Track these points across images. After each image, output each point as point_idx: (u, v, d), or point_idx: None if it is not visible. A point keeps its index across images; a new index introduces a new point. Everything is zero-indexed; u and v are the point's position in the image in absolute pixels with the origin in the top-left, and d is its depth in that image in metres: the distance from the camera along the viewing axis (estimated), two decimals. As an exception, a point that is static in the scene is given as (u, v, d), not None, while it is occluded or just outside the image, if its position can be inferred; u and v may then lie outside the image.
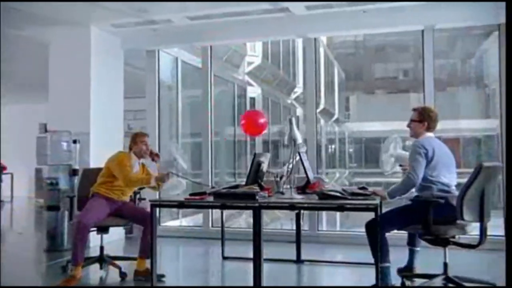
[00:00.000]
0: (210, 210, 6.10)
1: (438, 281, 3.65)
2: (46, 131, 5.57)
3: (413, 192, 3.84)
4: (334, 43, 15.14)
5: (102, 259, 4.54)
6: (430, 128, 3.85)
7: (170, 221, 6.97)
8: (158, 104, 6.54)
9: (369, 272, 4.38)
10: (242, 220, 9.06)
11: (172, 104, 7.20)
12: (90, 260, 4.52)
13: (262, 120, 5.16)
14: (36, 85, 7.55)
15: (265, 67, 10.58)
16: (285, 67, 12.98)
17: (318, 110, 17.44)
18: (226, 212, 6.18)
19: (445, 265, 3.64)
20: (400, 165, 4.20)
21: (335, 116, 17.13)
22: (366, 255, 4.74)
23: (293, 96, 14.33)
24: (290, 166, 4.28)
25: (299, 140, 3.91)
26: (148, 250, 3.90)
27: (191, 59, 7.36)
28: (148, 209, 3.73)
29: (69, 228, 5.54)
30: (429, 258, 3.89)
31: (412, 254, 4.00)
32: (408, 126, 3.94)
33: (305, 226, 5.68)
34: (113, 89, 6.24)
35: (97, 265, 4.58)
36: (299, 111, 14.78)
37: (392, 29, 5.85)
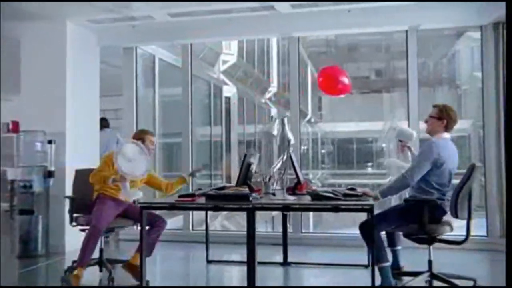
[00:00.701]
0: (191, 212, 5.96)
1: (423, 278, 3.68)
2: (9, 130, 5.29)
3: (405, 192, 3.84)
4: (307, 42, 15.09)
5: (102, 262, 4.40)
6: (448, 128, 3.77)
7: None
8: (136, 103, 6.35)
9: (358, 273, 4.41)
10: (217, 223, 8.95)
11: (148, 103, 6.99)
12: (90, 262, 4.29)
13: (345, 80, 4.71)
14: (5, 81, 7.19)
15: (240, 66, 10.47)
16: (260, 66, 12.91)
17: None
18: (199, 216, 6.07)
19: (430, 262, 3.67)
20: (400, 140, 4.14)
21: (308, 117, 17.17)
22: (351, 256, 4.80)
23: (267, 95, 14.28)
24: (278, 166, 4.22)
25: (292, 140, 3.83)
26: (150, 249, 3.98)
27: (167, 56, 7.18)
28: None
29: (43, 232, 5.35)
30: (410, 257, 3.94)
31: (395, 254, 3.97)
32: (426, 121, 3.87)
33: (289, 228, 5.61)
34: (90, 87, 6.00)
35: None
36: (274, 111, 14.74)
37: (376, 29, 5.85)
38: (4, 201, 4.02)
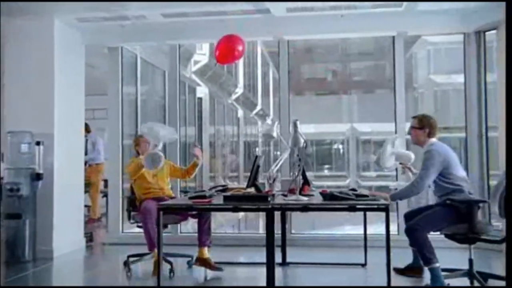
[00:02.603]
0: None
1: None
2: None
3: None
4: (267, 41, 15.22)
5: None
6: (431, 134, 3.98)
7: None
8: (122, 103, 6.23)
9: (358, 272, 4.56)
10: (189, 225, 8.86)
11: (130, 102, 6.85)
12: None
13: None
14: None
15: (211, 67, 10.46)
16: (228, 67, 12.92)
17: (254, 112, 17.55)
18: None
19: (471, 261, 3.81)
20: (400, 163, 4.35)
21: (270, 117, 17.34)
22: (344, 256, 4.97)
23: (234, 96, 14.31)
24: (278, 167, 4.30)
25: (301, 143, 3.90)
26: (206, 240, 4.50)
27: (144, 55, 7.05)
28: None
29: (30, 237, 5.16)
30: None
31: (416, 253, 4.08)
32: (409, 133, 4.10)
33: (278, 229, 5.67)
34: (76, 87, 5.85)
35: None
36: (240, 112, 14.79)
37: (366, 33, 6.04)
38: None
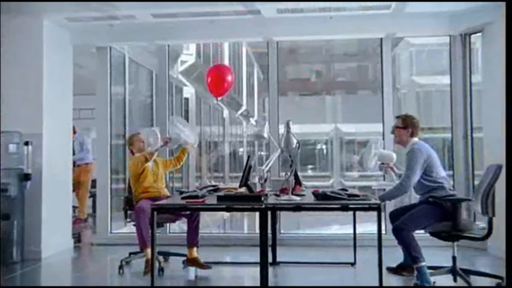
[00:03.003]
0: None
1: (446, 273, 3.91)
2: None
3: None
4: (252, 42, 15.26)
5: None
6: (413, 134, 4.10)
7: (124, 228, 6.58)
8: (110, 103, 6.20)
9: (348, 272, 4.63)
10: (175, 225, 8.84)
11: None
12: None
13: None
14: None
15: (198, 67, 10.45)
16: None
17: (239, 112, 17.50)
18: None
19: (454, 258, 3.90)
20: (382, 163, 4.43)
21: (255, 118, 17.38)
22: (332, 255, 5.03)
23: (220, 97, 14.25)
24: (268, 167, 4.34)
25: (294, 143, 3.95)
26: (195, 240, 4.56)
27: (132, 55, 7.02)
28: None
29: (18, 238, 5.11)
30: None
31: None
32: (392, 132, 4.19)
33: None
34: (64, 87, 5.81)
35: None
36: (226, 112, 14.78)
37: (355, 35, 6.12)
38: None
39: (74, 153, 6.82)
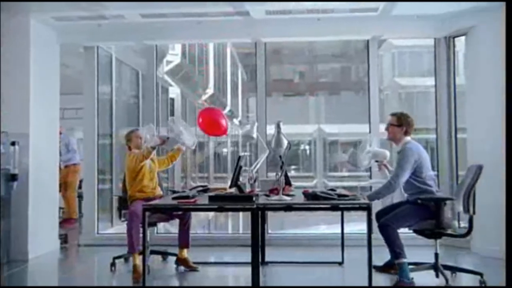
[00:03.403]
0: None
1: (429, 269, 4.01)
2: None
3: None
4: (236, 42, 15.30)
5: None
6: (407, 133, 4.16)
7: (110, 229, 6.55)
8: (97, 103, 6.17)
9: (336, 271, 4.68)
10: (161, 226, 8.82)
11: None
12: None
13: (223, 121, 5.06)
14: None
15: (183, 67, 10.44)
16: (198, 67, 12.90)
17: (224, 112, 17.48)
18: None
19: (437, 255, 3.99)
20: (376, 161, 4.49)
21: (239, 118, 17.39)
22: (319, 254, 5.08)
23: (204, 97, 14.30)
24: (257, 168, 4.38)
25: (285, 144, 3.99)
26: (186, 241, 4.62)
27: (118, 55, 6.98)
28: None
29: (4, 239, 5.05)
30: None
31: None
32: (386, 129, 4.24)
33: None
34: (51, 86, 5.75)
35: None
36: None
37: (342, 37, 6.18)
38: None
39: (60, 154, 6.76)
